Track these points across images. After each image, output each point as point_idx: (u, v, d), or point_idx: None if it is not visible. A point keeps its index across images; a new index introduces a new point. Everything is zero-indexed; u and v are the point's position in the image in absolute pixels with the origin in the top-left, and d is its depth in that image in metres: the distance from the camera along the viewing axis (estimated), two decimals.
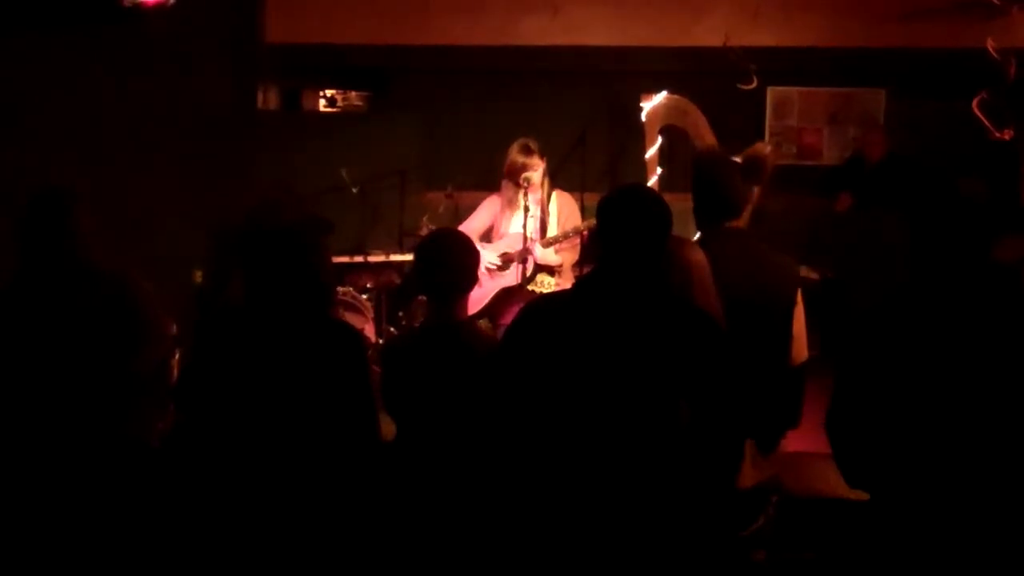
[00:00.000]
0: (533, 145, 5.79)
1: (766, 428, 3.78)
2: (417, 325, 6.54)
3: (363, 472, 3.22)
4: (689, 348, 2.87)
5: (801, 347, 3.86)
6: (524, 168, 5.69)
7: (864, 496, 2.88)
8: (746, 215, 5.54)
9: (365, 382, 3.24)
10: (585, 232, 5.75)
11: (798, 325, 3.84)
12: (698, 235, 3.98)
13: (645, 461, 2.83)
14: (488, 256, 5.81)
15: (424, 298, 6.40)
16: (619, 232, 2.94)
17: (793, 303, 3.81)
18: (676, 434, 2.85)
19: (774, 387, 3.73)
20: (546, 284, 5.89)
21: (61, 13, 5.19)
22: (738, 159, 5.18)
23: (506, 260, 5.91)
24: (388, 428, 3.45)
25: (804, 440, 4.34)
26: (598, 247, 3.02)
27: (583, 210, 5.94)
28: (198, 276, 6.10)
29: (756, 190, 5.84)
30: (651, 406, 2.83)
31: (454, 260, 3.45)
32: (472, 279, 3.51)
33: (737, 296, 3.49)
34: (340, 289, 6.62)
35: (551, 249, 5.86)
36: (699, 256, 3.45)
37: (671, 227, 3.00)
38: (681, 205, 3.89)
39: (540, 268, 5.90)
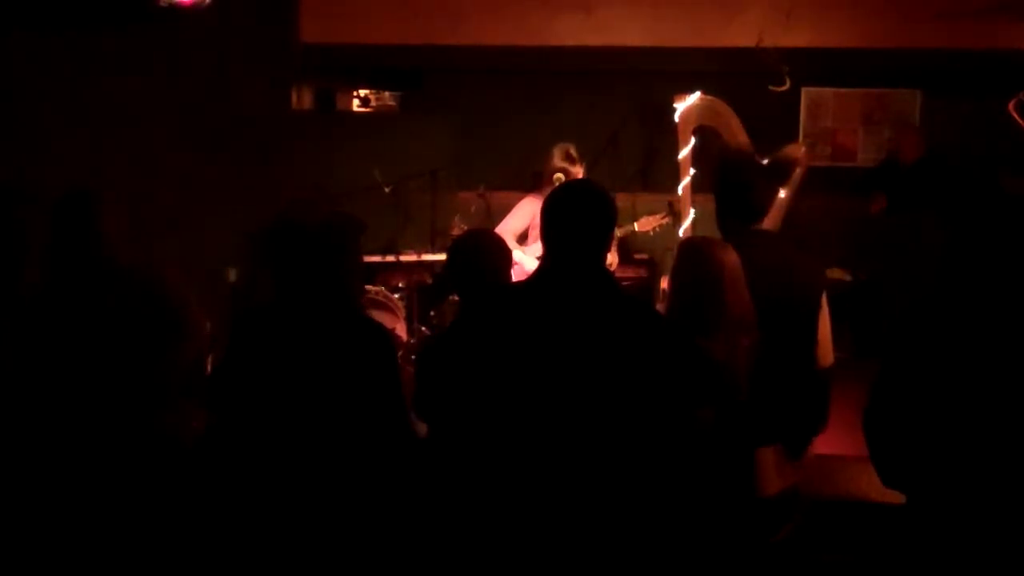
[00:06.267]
0: (574, 152, 5.83)
1: (794, 432, 3.75)
2: (448, 325, 6.57)
3: (392, 469, 3.23)
4: (636, 344, 2.82)
5: (827, 350, 3.82)
6: (563, 173, 5.72)
7: (893, 498, 2.87)
8: (777, 217, 5.52)
9: (395, 381, 3.26)
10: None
11: (824, 328, 3.79)
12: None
13: (600, 462, 2.79)
14: (527, 261, 5.84)
15: (456, 298, 6.44)
16: (560, 228, 2.92)
17: (819, 305, 3.78)
18: (631, 432, 2.81)
19: (801, 391, 3.70)
20: None
21: (97, 12, 5.25)
22: (765, 160, 5.16)
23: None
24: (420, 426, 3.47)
25: (831, 443, 4.32)
26: (543, 244, 3.01)
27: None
28: (232, 275, 6.15)
29: (787, 192, 5.82)
30: (599, 403, 2.78)
31: (487, 261, 3.46)
32: (505, 280, 3.52)
33: (762, 299, 3.47)
34: (372, 288, 6.65)
35: None
36: (731, 257, 3.43)
37: (614, 223, 2.97)
38: (713, 206, 3.89)
39: None
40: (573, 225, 2.90)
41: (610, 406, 2.76)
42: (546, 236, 2.97)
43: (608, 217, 2.94)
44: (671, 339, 2.92)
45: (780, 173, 3.80)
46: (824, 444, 4.17)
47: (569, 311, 2.84)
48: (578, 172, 5.78)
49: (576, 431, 2.76)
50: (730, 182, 3.85)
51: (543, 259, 3.01)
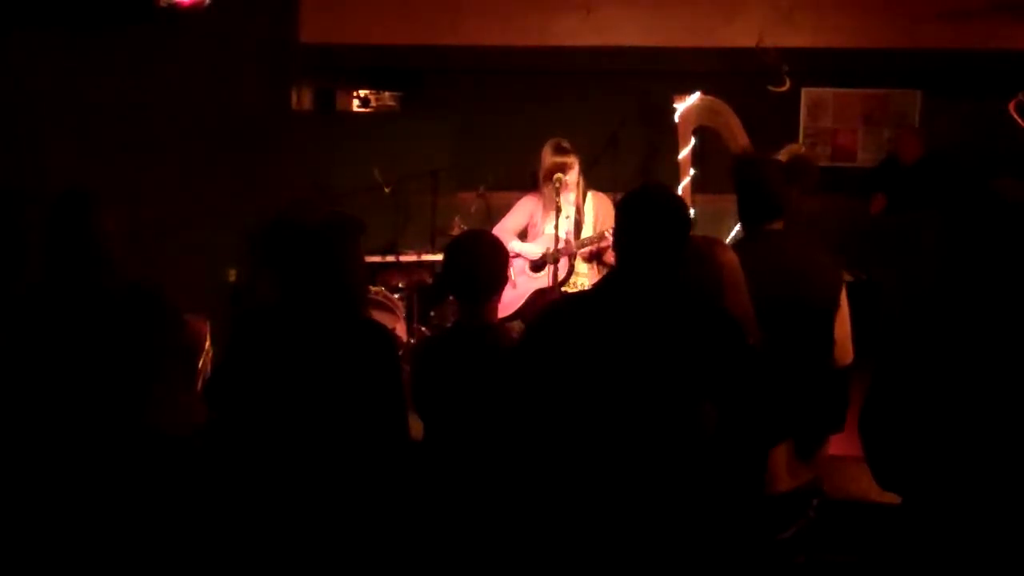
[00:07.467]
0: (566, 143, 5.79)
1: (807, 431, 3.74)
2: (448, 325, 6.58)
3: (391, 470, 3.23)
4: (707, 348, 2.87)
5: (846, 349, 3.80)
6: (559, 167, 5.69)
7: (894, 499, 2.87)
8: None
9: (396, 381, 3.25)
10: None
11: (843, 327, 3.77)
12: (733, 234, 3.93)
13: (663, 461, 2.83)
14: (532, 251, 5.84)
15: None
16: (637, 233, 2.94)
17: (836, 304, 3.75)
18: (695, 435, 2.85)
19: (815, 390, 3.69)
20: (580, 285, 5.88)
21: (96, 13, 5.24)
22: (781, 158, 5.14)
23: (542, 261, 5.91)
24: (416, 427, 3.47)
25: (847, 444, 4.31)
26: (616, 248, 3.03)
27: None
28: (232, 275, 6.15)
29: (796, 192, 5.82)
30: (667, 406, 2.82)
31: (482, 262, 3.44)
32: (501, 281, 3.50)
33: (777, 297, 3.47)
34: (372, 288, 6.65)
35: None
36: (730, 257, 3.43)
37: (689, 227, 3.00)
38: (713, 206, 3.90)
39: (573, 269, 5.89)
40: (646, 231, 2.92)
41: (670, 404, 2.83)
42: (619, 241, 2.98)
43: (681, 222, 2.96)
44: (736, 341, 2.95)
45: (800, 173, 3.78)
46: (836, 445, 4.16)
47: (641, 317, 2.89)
48: (573, 163, 5.75)
49: (643, 432, 2.83)
50: (749, 180, 3.85)
51: (616, 263, 3.03)
